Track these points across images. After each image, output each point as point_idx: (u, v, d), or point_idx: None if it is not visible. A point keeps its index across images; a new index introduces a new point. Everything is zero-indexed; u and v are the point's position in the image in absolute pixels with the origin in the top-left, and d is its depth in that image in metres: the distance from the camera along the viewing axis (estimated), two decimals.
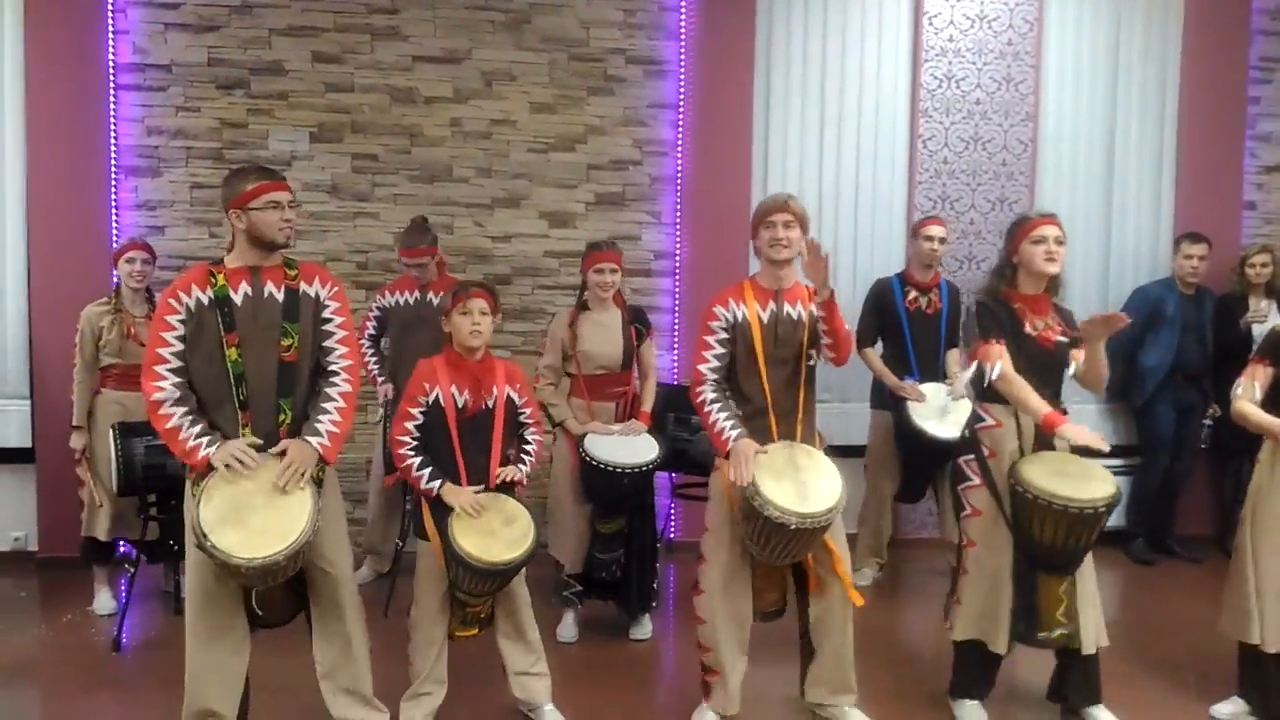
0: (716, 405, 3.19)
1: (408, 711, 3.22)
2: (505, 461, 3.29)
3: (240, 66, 5.10)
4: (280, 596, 3.01)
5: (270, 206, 2.86)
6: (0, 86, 4.97)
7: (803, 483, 3.04)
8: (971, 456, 3.30)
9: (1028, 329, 3.22)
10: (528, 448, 3.35)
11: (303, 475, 2.80)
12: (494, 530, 3.10)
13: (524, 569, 3.21)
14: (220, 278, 2.88)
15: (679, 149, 5.39)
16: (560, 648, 3.96)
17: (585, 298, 4.16)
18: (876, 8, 5.54)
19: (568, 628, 4.14)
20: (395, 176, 5.25)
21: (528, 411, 3.36)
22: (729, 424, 3.15)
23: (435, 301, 4.57)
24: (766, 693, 3.55)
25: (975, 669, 3.37)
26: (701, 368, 3.24)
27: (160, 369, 2.81)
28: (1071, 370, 3.26)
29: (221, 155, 5.10)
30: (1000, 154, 5.64)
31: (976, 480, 3.28)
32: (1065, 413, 3.21)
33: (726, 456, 3.12)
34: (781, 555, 3.09)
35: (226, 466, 2.76)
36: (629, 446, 3.96)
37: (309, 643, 3.06)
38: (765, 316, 3.21)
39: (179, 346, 2.83)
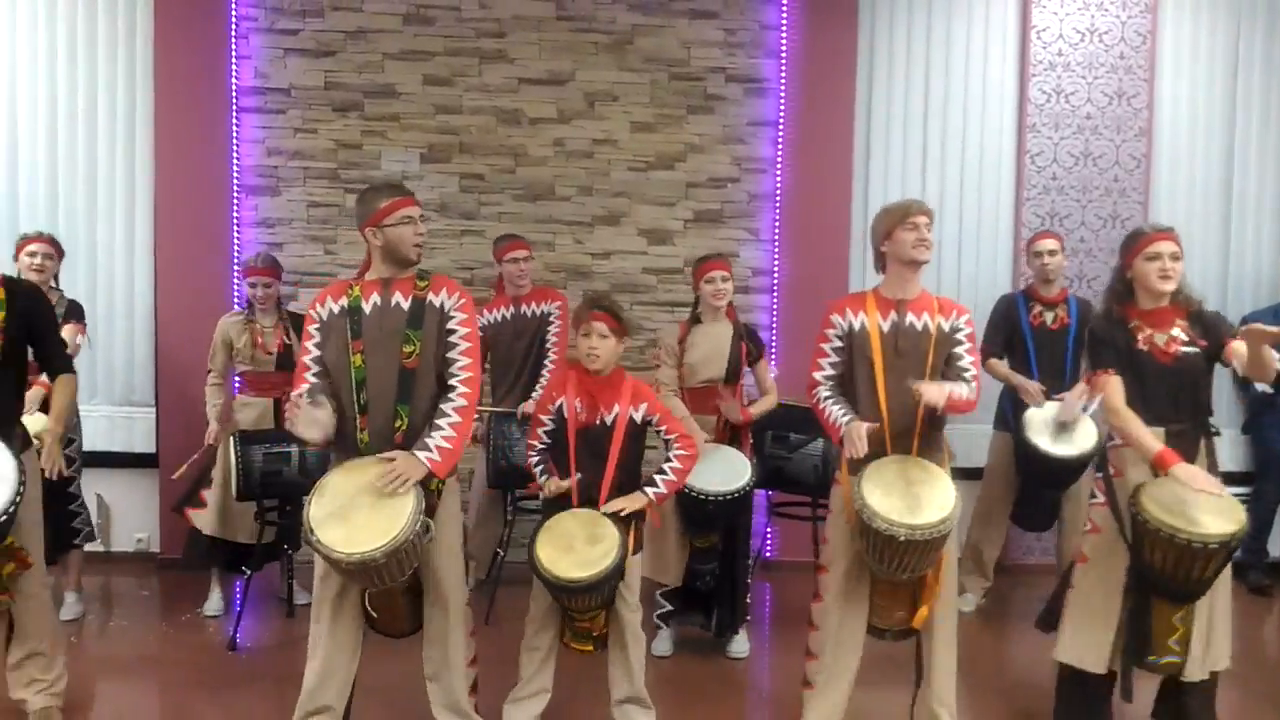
0: (830, 400, 3.16)
1: (509, 714, 3.27)
2: (621, 481, 3.27)
3: (355, 90, 5.30)
4: (400, 607, 3.11)
5: (404, 222, 3.00)
6: (132, 109, 5.28)
7: (914, 495, 2.98)
8: (1100, 475, 3.23)
9: (1140, 344, 3.12)
10: (668, 465, 3.30)
11: (404, 483, 2.88)
12: (573, 546, 3.10)
13: (627, 601, 3.23)
14: (356, 289, 3.04)
15: (778, 166, 5.40)
16: (656, 662, 3.97)
17: (699, 310, 4.19)
18: (983, 22, 5.47)
19: (663, 642, 4.15)
20: (500, 195, 5.37)
21: (665, 429, 3.33)
22: (840, 411, 3.11)
23: (529, 314, 4.70)
24: (872, 714, 3.50)
25: (1078, 700, 3.25)
26: (815, 374, 3.22)
27: (306, 375, 3.03)
28: (1238, 368, 3.10)
29: (337, 175, 5.30)
30: (1112, 170, 5.48)
31: (1101, 498, 3.21)
32: (1215, 433, 3.12)
33: (840, 444, 3.08)
34: (898, 569, 3.04)
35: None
36: (719, 469, 3.91)
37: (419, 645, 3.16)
38: (885, 326, 3.15)
39: (317, 353, 3.03)
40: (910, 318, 3.15)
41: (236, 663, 4.05)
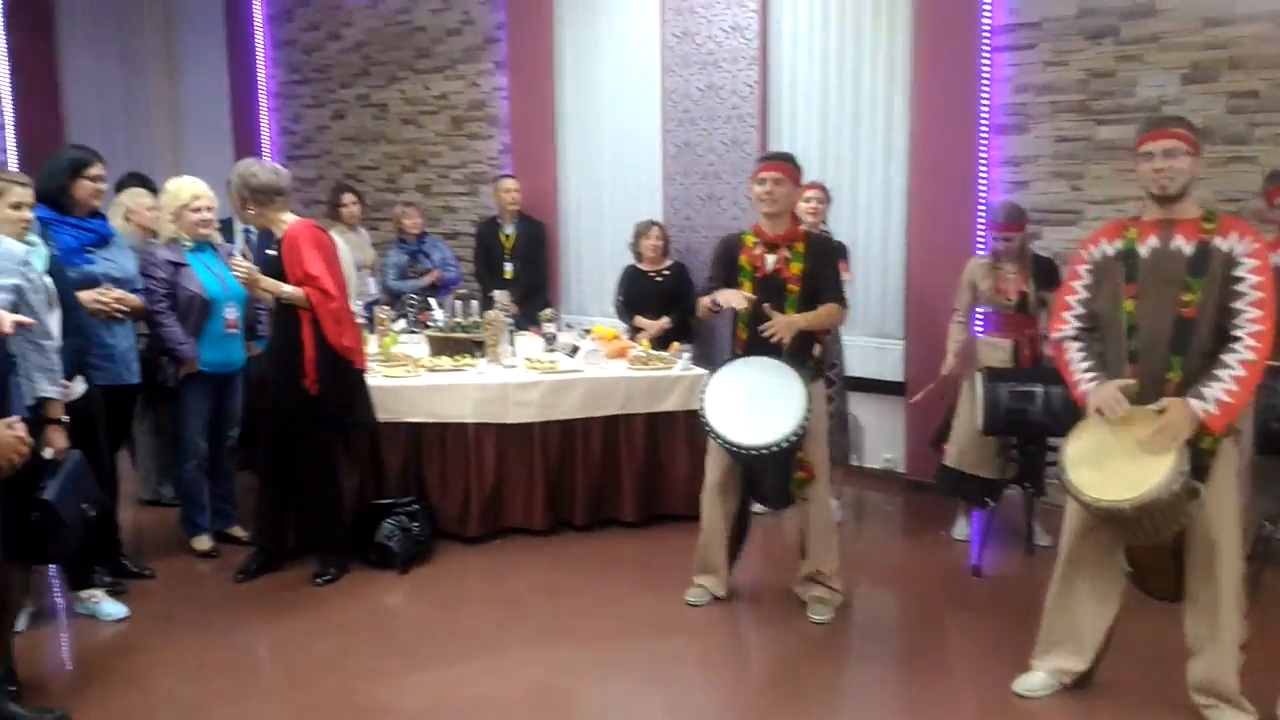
0: None
1: None
2: None
3: (1110, 14, 5.01)
4: (1165, 566, 3.03)
5: (1143, 157, 2.91)
6: (892, 50, 5.67)
7: None
8: None
9: None
10: None
11: (1174, 439, 2.76)
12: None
13: None
14: (1132, 231, 2.99)
15: None
16: None
17: None
18: None
19: None
20: (1278, 114, 4.67)
21: None
22: None
23: None
24: None
25: None
26: None
27: (1065, 314, 3.10)
28: None
29: (1087, 107, 5.11)
30: None
31: None
32: None
33: None
34: None
35: (1098, 411, 2.88)
36: None
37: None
38: None
39: (1083, 294, 3.07)
40: None
41: (978, 587, 4.30)
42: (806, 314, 3.69)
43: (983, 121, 5.37)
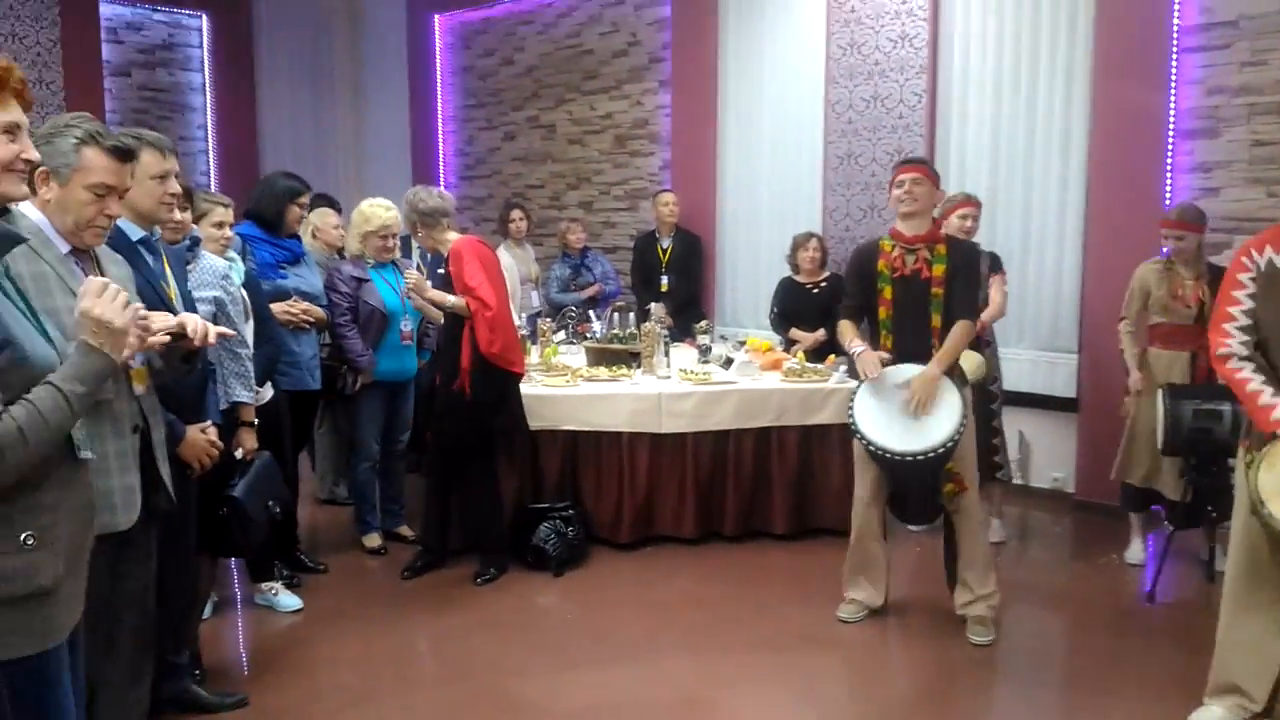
0: None
1: None
2: None
3: None
4: None
5: None
6: (1071, 53, 5.42)
7: None
8: None
9: None
10: None
11: None
12: None
13: None
14: None
15: None
16: None
17: None
18: None
19: None
20: None
21: None
22: None
23: None
24: None
25: None
26: None
27: (1228, 326, 2.88)
28: None
29: None
30: None
31: None
32: None
33: None
34: None
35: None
36: None
37: None
38: None
39: (1248, 304, 2.85)
40: None
41: (1152, 614, 4.06)
42: (939, 357, 3.57)
43: (1170, 126, 5.07)
